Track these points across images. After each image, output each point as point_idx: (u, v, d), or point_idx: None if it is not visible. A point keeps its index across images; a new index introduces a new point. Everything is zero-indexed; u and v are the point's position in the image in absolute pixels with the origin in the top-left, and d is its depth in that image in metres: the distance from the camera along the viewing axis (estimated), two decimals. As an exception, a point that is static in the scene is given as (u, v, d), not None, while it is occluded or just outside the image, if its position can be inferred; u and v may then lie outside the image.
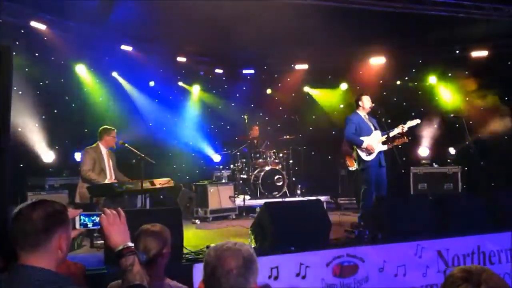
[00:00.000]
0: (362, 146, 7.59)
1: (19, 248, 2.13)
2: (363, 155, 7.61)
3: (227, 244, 2.13)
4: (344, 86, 12.87)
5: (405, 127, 7.89)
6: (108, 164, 7.53)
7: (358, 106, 7.92)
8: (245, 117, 11.15)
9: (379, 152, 7.66)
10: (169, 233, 3.35)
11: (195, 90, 12.77)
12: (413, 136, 8.80)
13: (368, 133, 7.70)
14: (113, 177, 7.49)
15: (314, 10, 8.96)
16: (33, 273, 2.07)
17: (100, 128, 7.73)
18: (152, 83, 11.70)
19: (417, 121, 8.06)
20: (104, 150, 7.53)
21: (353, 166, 8.54)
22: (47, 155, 9.54)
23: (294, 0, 8.78)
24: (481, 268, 1.85)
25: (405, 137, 8.20)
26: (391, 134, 7.80)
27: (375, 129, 7.81)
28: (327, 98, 13.22)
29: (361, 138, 7.61)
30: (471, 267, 1.87)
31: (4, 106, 4.21)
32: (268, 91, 13.55)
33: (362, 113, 7.89)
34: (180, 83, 12.54)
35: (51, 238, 2.14)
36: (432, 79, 12.06)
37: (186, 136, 12.48)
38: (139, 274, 2.25)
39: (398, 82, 12.42)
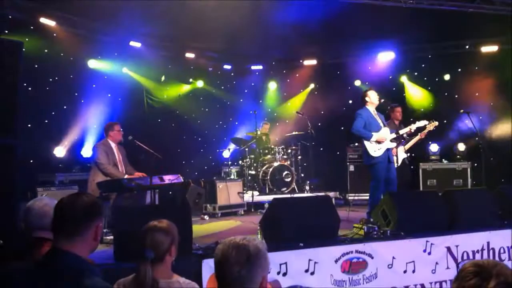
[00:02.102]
0: (371, 140, 7.56)
1: (58, 235, 2.32)
2: (371, 151, 7.58)
3: (235, 239, 2.14)
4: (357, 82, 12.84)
5: (413, 127, 7.97)
6: (119, 158, 7.59)
7: (365, 102, 7.88)
8: (254, 113, 11.15)
9: (387, 149, 7.64)
10: (176, 230, 3.33)
11: (204, 86, 12.77)
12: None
13: (377, 129, 7.66)
14: (124, 171, 7.55)
15: (323, 6, 8.94)
16: (68, 259, 2.23)
17: (105, 125, 7.81)
18: (163, 78, 11.73)
19: (425, 122, 8.23)
20: (113, 145, 7.59)
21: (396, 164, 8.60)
22: (57, 151, 9.59)
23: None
24: (493, 263, 1.86)
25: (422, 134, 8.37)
26: (401, 132, 7.82)
27: (384, 126, 7.78)
28: (336, 93, 13.18)
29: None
30: (484, 261, 1.88)
31: (13, 102, 4.24)
32: (273, 84, 13.51)
33: (371, 108, 7.85)
34: (190, 79, 12.56)
35: (89, 227, 2.34)
36: (441, 75, 11.99)
37: (195, 132, 12.51)
38: None
39: (406, 77, 12.39)
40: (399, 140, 7.96)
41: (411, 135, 8.57)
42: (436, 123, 8.48)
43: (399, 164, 8.47)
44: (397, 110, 8.84)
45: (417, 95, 12.26)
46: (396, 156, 8.38)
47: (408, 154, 8.79)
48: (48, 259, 2.28)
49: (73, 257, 2.25)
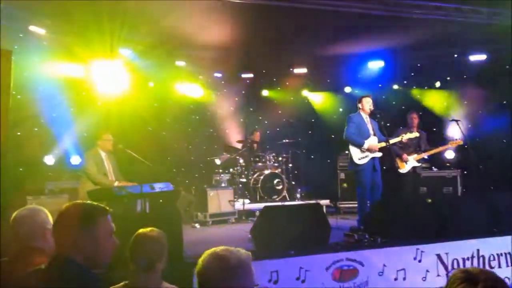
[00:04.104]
0: (363, 147, 7.61)
1: (57, 242, 2.43)
2: (356, 158, 7.64)
3: (216, 250, 2.11)
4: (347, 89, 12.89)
5: (405, 137, 8.02)
6: (108, 167, 7.58)
7: (358, 107, 7.96)
8: (245, 120, 11.15)
9: (373, 157, 7.67)
10: (166, 238, 3.34)
11: (194, 93, 12.74)
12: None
13: (366, 137, 7.71)
14: (114, 179, 7.52)
15: (312, 13, 8.98)
16: (68, 266, 2.33)
17: (95, 133, 7.81)
18: (151, 84, 11.68)
19: (416, 134, 8.35)
20: (103, 154, 7.57)
21: (404, 168, 8.57)
22: (47, 159, 9.53)
23: (294, 3, 8.78)
24: (481, 270, 1.97)
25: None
26: (391, 141, 7.84)
27: (374, 134, 7.81)
28: (326, 101, 13.25)
29: None
30: (472, 268, 1.99)
31: (3, 110, 4.22)
32: (265, 92, 13.54)
33: (364, 115, 7.91)
34: (180, 87, 12.51)
35: (74, 235, 2.39)
36: (430, 83, 12.08)
37: (186, 139, 12.48)
38: None
39: (396, 86, 12.47)
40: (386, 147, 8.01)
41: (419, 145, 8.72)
42: (460, 142, 8.60)
43: (406, 171, 8.52)
44: (412, 117, 8.88)
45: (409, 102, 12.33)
46: (405, 162, 8.46)
47: (420, 164, 8.80)
48: (49, 266, 2.36)
49: (74, 264, 2.34)
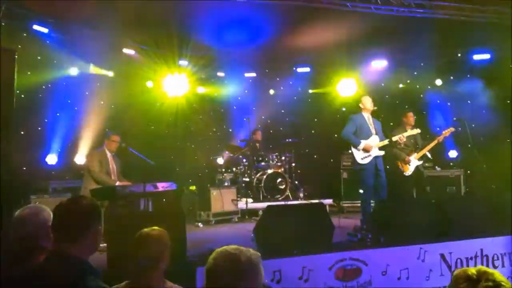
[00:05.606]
0: (359, 147, 7.61)
1: (58, 238, 2.40)
2: (358, 158, 7.64)
3: (227, 249, 2.12)
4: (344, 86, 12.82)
5: (405, 135, 7.99)
6: (112, 167, 7.59)
7: (360, 107, 7.96)
8: (247, 120, 11.14)
9: (376, 157, 7.66)
10: (168, 237, 3.34)
11: (197, 93, 12.74)
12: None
13: (367, 136, 7.73)
14: (117, 180, 7.53)
15: (315, 13, 8.98)
16: (69, 261, 2.32)
17: (104, 133, 7.84)
18: (150, 83, 11.66)
19: (417, 130, 8.30)
20: (109, 154, 7.60)
21: (408, 170, 8.48)
22: (50, 158, 9.55)
23: (297, 2, 8.78)
24: (483, 269, 2.08)
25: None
26: (393, 139, 7.85)
27: (376, 133, 7.81)
28: (329, 100, 13.20)
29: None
30: (474, 268, 2.10)
31: (7, 109, 4.23)
32: (271, 91, 13.53)
33: (366, 114, 7.90)
34: (183, 86, 12.50)
35: (89, 230, 2.43)
36: (433, 82, 12.05)
37: (189, 139, 12.48)
38: None
39: (401, 85, 12.44)
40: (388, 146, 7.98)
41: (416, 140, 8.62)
42: (452, 129, 8.53)
43: (411, 172, 8.43)
44: (410, 115, 8.76)
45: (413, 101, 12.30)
46: (409, 164, 8.37)
47: (422, 162, 8.71)
48: (49, 262, 2.35)
49: (75, 259, 2.33)
